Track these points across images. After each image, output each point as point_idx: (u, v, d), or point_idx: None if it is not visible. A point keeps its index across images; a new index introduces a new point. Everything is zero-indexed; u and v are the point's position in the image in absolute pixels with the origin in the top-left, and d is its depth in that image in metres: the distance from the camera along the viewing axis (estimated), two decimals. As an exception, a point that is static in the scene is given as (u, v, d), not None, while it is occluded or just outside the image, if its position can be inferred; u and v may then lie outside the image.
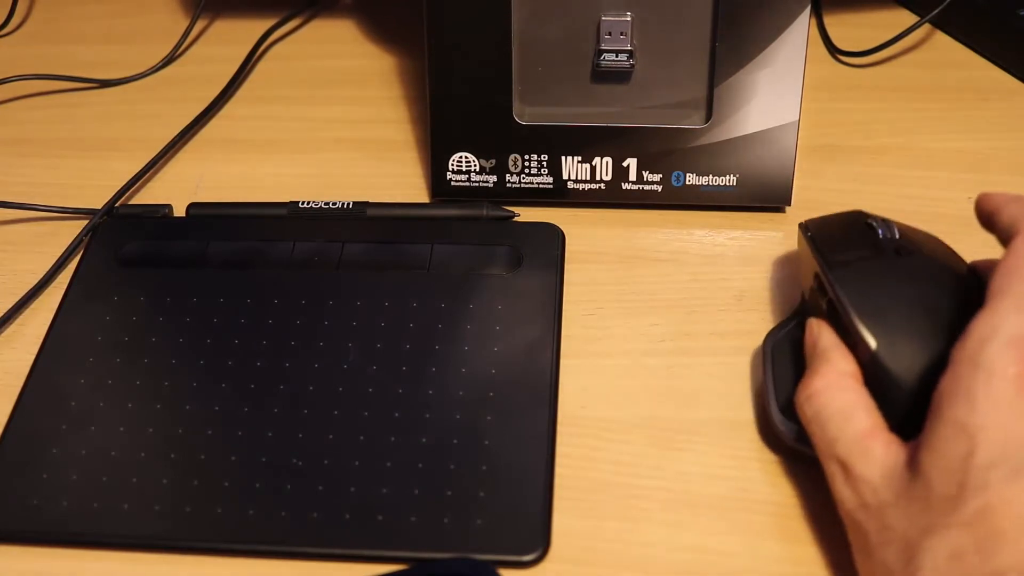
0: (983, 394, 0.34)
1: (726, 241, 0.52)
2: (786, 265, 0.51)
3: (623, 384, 0.46)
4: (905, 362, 0.39)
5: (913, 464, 0.35)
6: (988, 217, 0.40)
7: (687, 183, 0.53)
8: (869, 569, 0.36)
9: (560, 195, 0.54)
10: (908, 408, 0.38)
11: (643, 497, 0.42)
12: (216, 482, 0.42)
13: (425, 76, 0.52)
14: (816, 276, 0.43)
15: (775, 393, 0.43)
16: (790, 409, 0.41)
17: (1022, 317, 0.35)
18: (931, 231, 0.52)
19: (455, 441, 0.43)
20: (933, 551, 0.33)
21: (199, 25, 0.68)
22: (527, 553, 0.40)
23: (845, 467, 0.37)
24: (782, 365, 0.44)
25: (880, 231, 0.43)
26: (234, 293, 0.49)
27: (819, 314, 0.43)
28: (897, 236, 0.43)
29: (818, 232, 0.45)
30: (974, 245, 0.51)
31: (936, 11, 0.60)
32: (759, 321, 0.48)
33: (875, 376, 0.39)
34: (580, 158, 0.53)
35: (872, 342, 0.39)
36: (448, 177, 0.54)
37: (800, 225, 0.46)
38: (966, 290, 0.41)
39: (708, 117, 0.52)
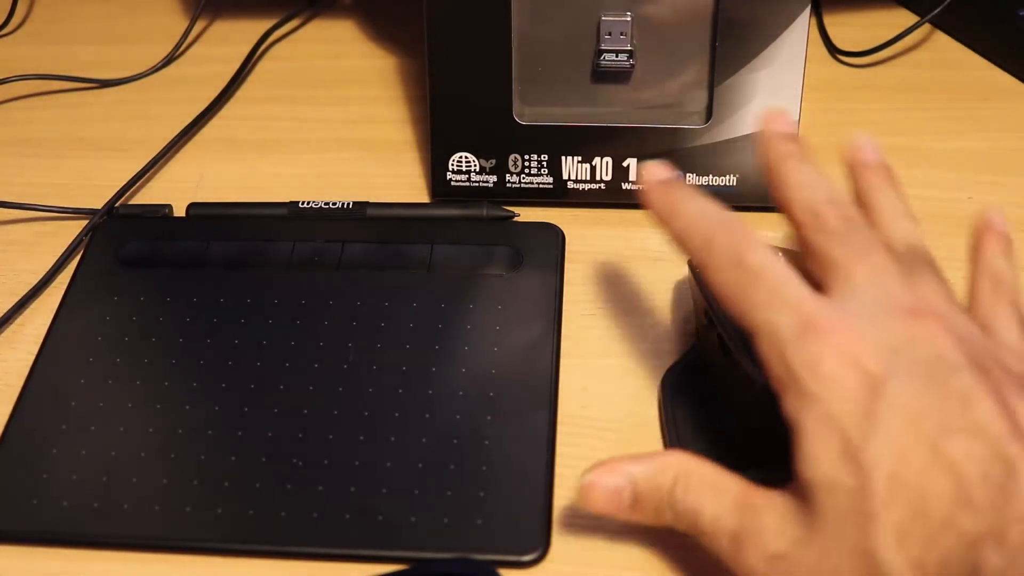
0: (815, 386, 0.33)
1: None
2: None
3: (623, 384, 0.46)
4: None
5: (803, 492, 0.33)
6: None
7: (687, 183, 0.53)
8: None
9: (560, 195, 0.54)
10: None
11: (643, 497, 0.42)
12: (216, 482, 0.42)
13: (425, 76, 0.52)
14: (706, 312, 0.43)
15: (676, 434, 0.43)
16: (688, 447, 0.42)
17: (779, 315, 0.34)
18: (931, 231, 0.52)
19: (455, 441, 0.43)
20: (884, 538, 0.31)
21: (199, 25, 0.68)
22: (527, 553, 0.40)
23: (737, 537, 0.35)
24: (683, 407, 0.44)
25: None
26: (234, 293, 0.49)
27: (712, 349, 0.43)
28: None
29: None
30: (974, 245, 0.51)
31: (936, 11, 0.60)
32: (759, 321, 0.48)
33: (763, 409, 0.38)
34: (580, 158, 0.53)
35: (759, 377, 0.38)
36: (448, 177, 0.54)
37: (689, 262, 0.45)
38: None
39: (708, 117, 0.52)
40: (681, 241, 0.38)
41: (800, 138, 0.40)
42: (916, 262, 0.36)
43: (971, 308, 0.38)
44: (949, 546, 0.31)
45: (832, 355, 0.33)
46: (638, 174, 0.39)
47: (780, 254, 0.42)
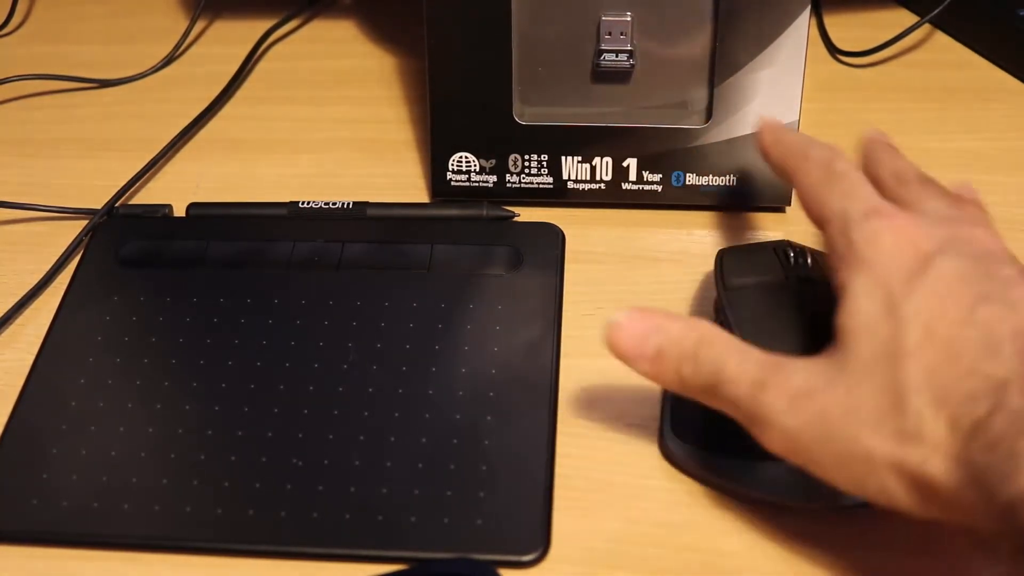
0: (873, 254, 0.36)
1: (726, 241, 0.52)
2: (786, 265, 0.51)
3: (623, 384, 0.46)
4: None
5: (839, 339, 0.35)
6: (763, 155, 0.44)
7: (687, 183, 0.53)
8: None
9: (560, 195, 0.54)
10: None
11: (643, 497, 0.42)
12: (216, 482, 0.42)
13: (425, 76, 0.52)
14: (716, 299, 0.44)
15: (671, 419, 0.43)
16: (683, 432, 0.43)
17: (854, 201, 0.38)
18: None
19: (455, 441, 0.43)
20: (912, 374, 0.33)
21: (199, 25, 0.68)
22: (527, 553, 0.40)
23: (763, 383, 0.36)
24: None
25: (792, 258, 0.44)
26: (234, 293, 0.49)
27: None
28: (809, 264, 0.44)
29: (730, 257, 0.46)
30: (974, 245, 0.51)
31: (936, 11, 0.60)
32: (759, 321, 0.48)
33: None
34: (580, 158, 0.53)
35: None
36: (448, 177, 0.54)
37: (719, 251, 0.46)
38: None
39: (708, 117, 0.52)
40: (778, 159, 0.43)
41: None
42: (965, 202, 0.40)
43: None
44: (974, 386, 0.32)
45: (891, 233, 0.36)
46: (758, 123, 0.44)
47: (810, 254, 0.43)
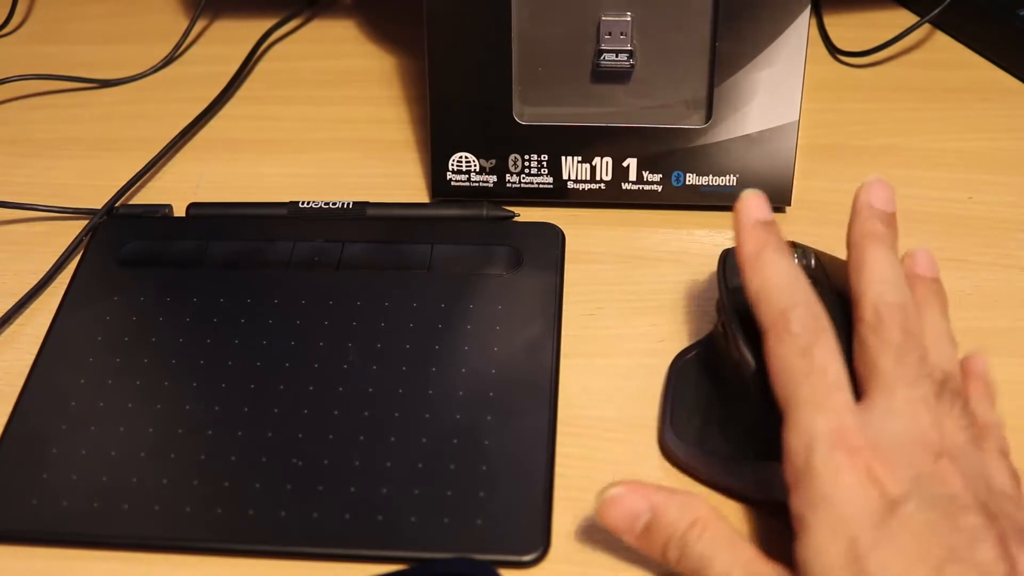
0: (833, 491, 0.34)
1: (726, 241, 0.52)
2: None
3: (623, 384, 0.46)
4: None
5: None
6: (739, 267, 0.40)
7: (687, 183, 0.53)
8: None
9: (560, 195, 0.54)
10: (779, 426, 0.39)
11: (643, 497, 0.42)
12: (216, 482, 0.42)
13: (425, 76, 0.52)
14: (718, 299, 0.44)
15: (671, 417, 0.44)
16: (683, 432, 0.43)
17: (821, 414, 0.35)
18: (931, 231, 0.52)
19: (455, 441, 0.43)
20: None
21: (199, 25, 0.68)
22: (527, 553, 0.40)
23: None
24: (683, 388, 0.45)
25: (796, 259, 0.44)
26: (234, 293, 0.49)
27: (719, 336, 0.44)
28: (812, 265, 0.43)
29: (732, 258, 0.45)
30: (974, 245, 0.51)
31: (936, 11, 0.60)
32: (759, 321, 0.48)
33: (753, 394, 0.40)
34: (580, 158, 0.53)
35: (752, 362, 0.40)
36: (448, 177, 0.54)
37: (723, 251, 0.46)
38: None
39: (708, 117, 0.52)
40: (757, 293, 0.39)
41: (893, 221, 0.41)
42: (949, 394, 0.37)
43: None
44: None
45: (855, 469, 0.34)
46: (737, 204, 0.39)
47: (813, 255, 0.43)
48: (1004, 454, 0.38)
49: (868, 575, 0.33)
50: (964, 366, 0.41)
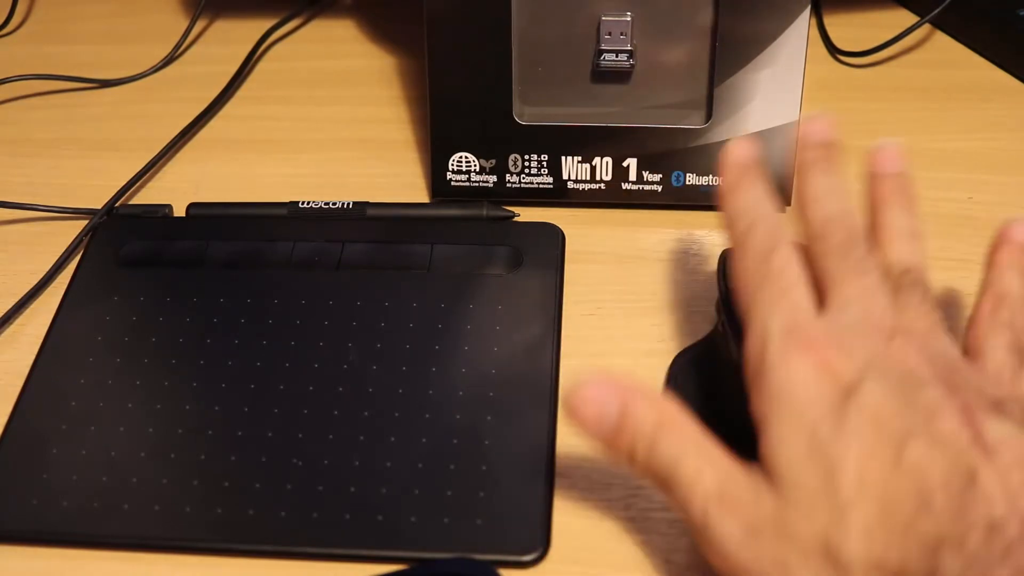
0: (788, 385, 0.34)
1: (726, 241, 0.52)
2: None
3: (623, 384, 0.46)
4: None
5: (771, 475, 0.34)
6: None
7: (687, 183, 0.53)
8: None
9: (560, 195, 0.54)
10: None
11: (643, 497, 0.42)
12: (216, 482, 0.42)
13: (425, 76, 0.52)
14: (717, 299, 0.44)
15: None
16: None
17: (775, 311, 0.36)
18: (930, 231, 0.52)
19: (455, 441, 0.43)
20: (850, 534, 0.32)
21: (199, 25, 0.68)
22: (527, 553, 0.40)
23: (721, 496, 0.35)
24: (683, 388, 0.45)
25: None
26: (234, 293, 0.49)
27: (718, 336, 0.44)
28: None
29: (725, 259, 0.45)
30: (975, 245, 0.51)
31: (936, 11, 0.60)
32: (759, 321, 0.48)
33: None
34: (580, 158, 0.53)
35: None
36: (448, 177, 0.54)
37: (722, 251, 0.46)
38: None
39: (708, 117, 0.52)
40: (729, 220, 0.39)
41: (833, 144, 0.41)
42: (908, 284, 0.38)
43: (969, 327, 0.39)
44: (909, 548, 0.32)
45: (809, 360, 0.35)
46: (724, 148, 0.41)
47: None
48: (1011, 327, 0.38)
49: (831, 461, 0.33)
50: (996, 234, 0.41)
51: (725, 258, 0.45)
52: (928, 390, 0.34)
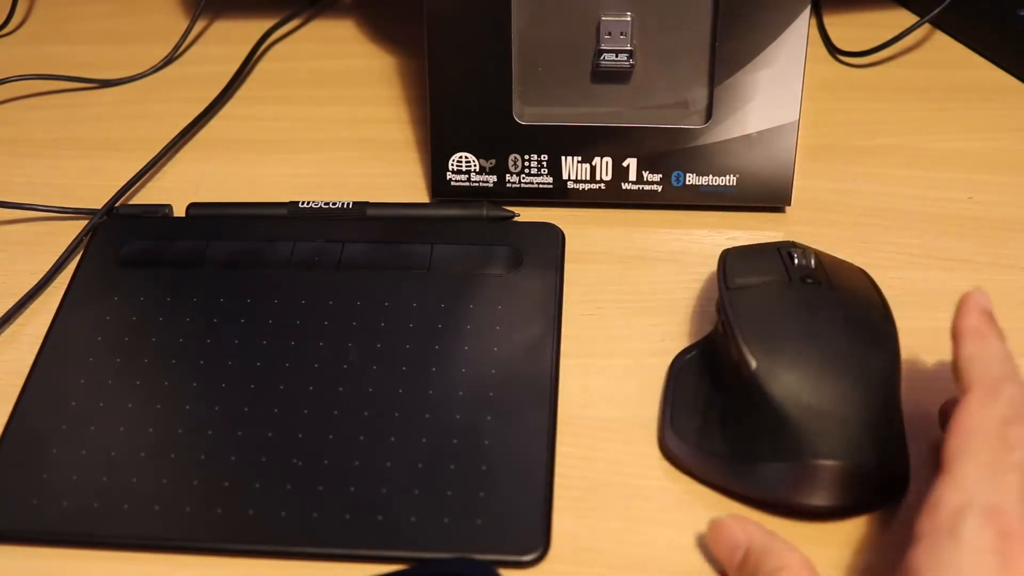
0: (971, 569, 0.33)
1: (726, 241, 0.52)
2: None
3: (623, 384, 0.46)
4: (782, 384, 0.40)
5: None
6: (953, 337, 0.39)
7: (687, 183, 0.53)
8: None
9: (560, 195, 0.54)
10: (779, 427, 0.40)
11: (643, 497, 0.42)
12: (216, 482, 0.42)
13: (425, 76, 0.52)
14: (718, 299, 0.44)
15: (671, 417, 0.44)
16: (683, 432, 0.43)
17: (991, 485, 0.34)
18: (931, 231, 0.52)
19: (455, 441, 0.43)
20: None
21: (199, 25, 0.68)
22: (527, 553, 0.40)
23: None
24: (683, 388, 0.45)
25: (796, 259, 0.44)
26: (234, 293, 0.49)
27: (718, 336, 0.44)
28: (812, 266, 0.44)
29: (733, 257, 0.46)
30: (974, 245, 0.51)
31: (936, 11, 0.60)
32: (759, 321, 0.48)
33: (753, 394, 0.40)
34: (580, 158, 0.53)
35: (752, 362, 0.40)
36: (448, 177, 0.54)
37: (723, 251, 0.46)
38: (863, 325, 0.42)
39: (708, 117, 0.52)
40: (974, 356, 0.37)
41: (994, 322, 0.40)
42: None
43: None
44: None
45: (999, 554, 0.33)
46: (964, 296, 0.39)
47: (813, 255, 0.43)
48: None
49: None
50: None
51: (726, 258, 0.45)
52: None
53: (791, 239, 0.47)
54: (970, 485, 0.34)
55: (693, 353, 0.46)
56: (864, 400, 0.40)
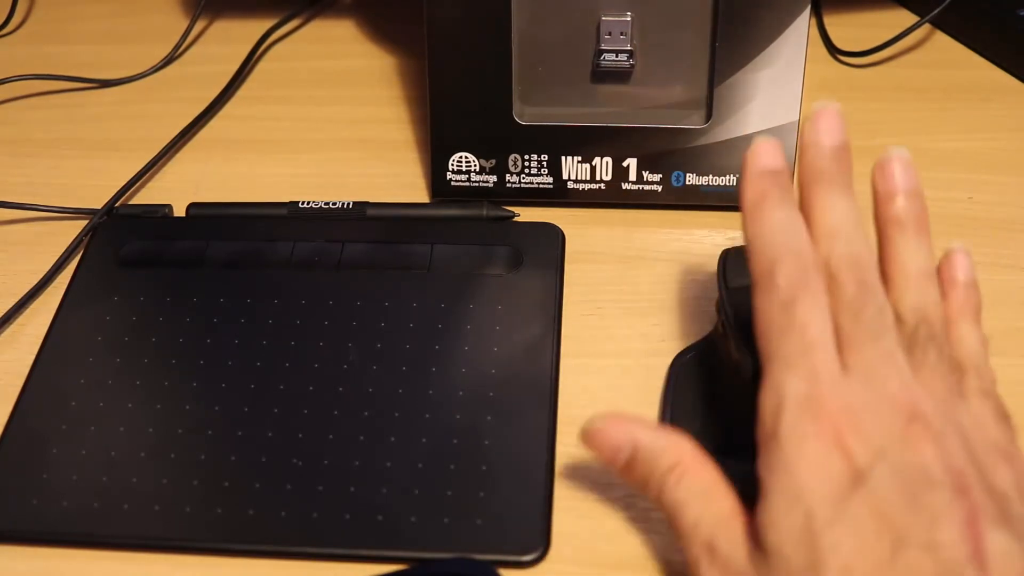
0: (796, 460, 0.33)
1: (726, 241, 0.52)
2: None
3: (623, 384, 0.46)
4: None
5: (762, 551, 0.34)
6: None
7: (687, 183, 0.53)
8: None
9: (560, 195, 0.54)
10: None
11: (643, 497, 0.42)
12: (216, 482, 0.42)
13: (425, 76, 0.52)
14: (717, 299, 0.44)
15: (671, 417, 0.44)
16: (683, 432, 0.42)
17: (795, 374, 0.34)
18: (931, 231, 0.52)
19: (455, 441, 0.43)
20: None
21: (199, 25, 0.68)
22: (527, 553, 0.40)
23: (712, 549, 0.35)
24: (683, 388, 0.45)
25: None
26: (234, 293, 0.49)
27: (718, 336, 0.44)
28: None
29: (734, 257, 0.45)
30: (975, 245, 0.51)
31: (936, 11, 0.60)
32: (759, 321, 0.48)
33: (754, 394, 0.38)
34: (580, 158, 0.53)
35: (752, 362, 0.39)
36: (448, 177, 0.54)
37: (723, 251, 0.46)
38: None
39: (708, 117, 0.52)
40: (750, 245, 0.37)
41: (843, 150, 0.39)
42: (923, 340, 0.36)
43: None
44: None
45: (821, 438, 0.33)
46: (747, 151, 0.37)
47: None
48: (987, 394, 0.37)
49: (819, 552, 0.32)
50: (942, 273, 0.39)
51: (726, 258, 0.45)
52: (936, 492, 0.32)
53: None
54: (777, 383, 0.35)
55: (692, 354, 0.46)
56: None
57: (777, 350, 0.35)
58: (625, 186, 0.53)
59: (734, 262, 0.45)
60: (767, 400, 0.35)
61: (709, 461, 0.37)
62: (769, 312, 0.36)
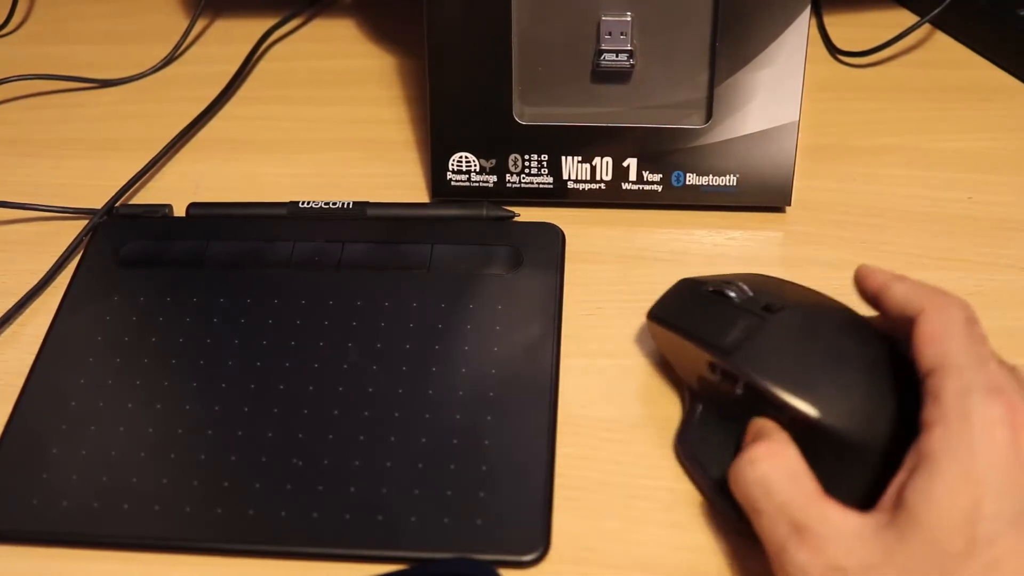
0: (981, 443, 0.34)
1: (726, 241, 0.52)
2: (786, 266, 0.51)
3: (623, 384, 0.46)
4: (847, 417, 0.38)
5: (900, 524, 0.34)
6: (873, 296, 0.40)
7: (687, 183, 0.53)
8: None
9: (560, 195, 0.54)
10: (864, 464, 0.38)
11: (643, 497, 0.42)
12: (216, 482, 0.42)
13: (425, 76, 0.52)
14: (712, 366, 0.42)
15: (717, 489, 0.41)
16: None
17: (983, 370, 0.35)
18: (931, 231, 0.52)
19: (455, 441, 0.43)
20: None
21: (199, 25, 0.68)
22: (527, 553, 0.40)
23: (801, 529, 0.35)
24: (707, 461, 0.42)
25: (733, 296, 0.42)
26: (234, 293, 0.49)
27: (729, 401, 0.41)
28: (751, 294, 0.42)
29: (676, 319, 0.44)
30: (974, 245, 0.51)
31: (936, 11, 0.60)
32: (759, 321, 0.48)
33: (823, 441, 0.38)
34: (580, 158, 0.53)
35: (812, 411, 0.38)
36: (448, 177, 0.54)
37: (648, 317, 0.45)
38: (857, 322, 0.41)
39: (708, 117, 0.52)
40: (909, 296, 0.39)
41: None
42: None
43: None
44: None
45: (1009, 429, 0.34)
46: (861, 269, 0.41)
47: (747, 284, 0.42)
48: None
49: (975, 542, 0.32)
50: None
51: (690, 329, 0.43)
52: None
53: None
54: (965, 372, 0.35)
55: (694, 423, 0.43)
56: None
57: (961, 348, 0.36)
58: (625, 186, 0.53)
59: (690, 322, 0.43)
60: (952, 383, 0.35)
61: (795, 448, 0.38)
62: (954, 324, 0.37)
